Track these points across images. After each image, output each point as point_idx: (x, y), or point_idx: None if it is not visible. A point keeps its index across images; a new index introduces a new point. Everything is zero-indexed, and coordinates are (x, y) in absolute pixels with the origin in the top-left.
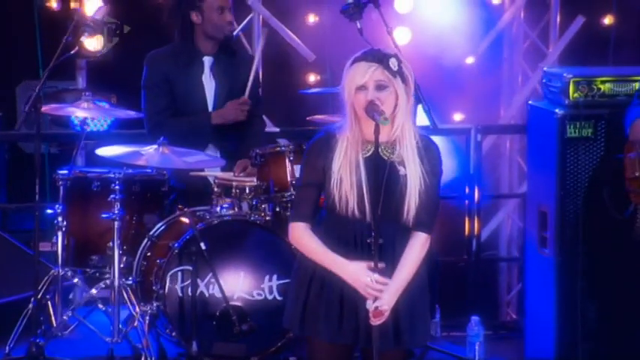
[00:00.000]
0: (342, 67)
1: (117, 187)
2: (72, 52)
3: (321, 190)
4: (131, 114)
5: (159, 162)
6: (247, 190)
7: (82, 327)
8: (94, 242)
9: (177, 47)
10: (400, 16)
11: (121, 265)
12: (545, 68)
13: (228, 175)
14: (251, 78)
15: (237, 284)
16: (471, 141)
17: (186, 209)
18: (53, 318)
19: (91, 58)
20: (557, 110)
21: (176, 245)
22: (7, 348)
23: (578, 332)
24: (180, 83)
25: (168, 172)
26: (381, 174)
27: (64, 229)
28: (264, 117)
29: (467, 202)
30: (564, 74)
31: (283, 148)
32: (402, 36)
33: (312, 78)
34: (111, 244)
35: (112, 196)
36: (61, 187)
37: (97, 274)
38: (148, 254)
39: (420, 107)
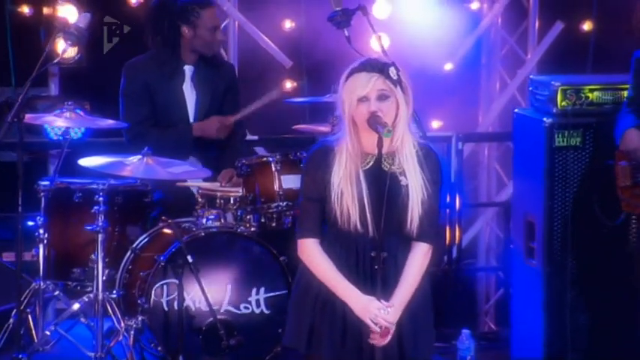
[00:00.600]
0: (319, 73)
1: (100, 198)
2: (55, 61)
3: (324, 204)
4: (111, 123)
5: (144, 173)
6: (232, 201)
7: (64, 341)
8: (75, 254)
9: (158, 55)
10: (378, 22)
11: (104, 278)
12: (531, 76)
13: (213, 185)
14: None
15: (223, 298)
16: (452, 149)
17: (169, 220)
18: (34, 332)
19: (65, 64)
20: (544, 119)
21: (162, 258)
22: None
23: (567, 343)
24: (161, 92)
25: (150, 182)
26: (383, 186)
27: (45, 241)
28: None
29: (448, 210)
30: (552, 82)
31: (270, 159)
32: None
33: (288, 85)
34: (93, 256)
35: (95, 207)
36: (43, 198)
37: (79, 287)
38: (131, 267)
39: None
